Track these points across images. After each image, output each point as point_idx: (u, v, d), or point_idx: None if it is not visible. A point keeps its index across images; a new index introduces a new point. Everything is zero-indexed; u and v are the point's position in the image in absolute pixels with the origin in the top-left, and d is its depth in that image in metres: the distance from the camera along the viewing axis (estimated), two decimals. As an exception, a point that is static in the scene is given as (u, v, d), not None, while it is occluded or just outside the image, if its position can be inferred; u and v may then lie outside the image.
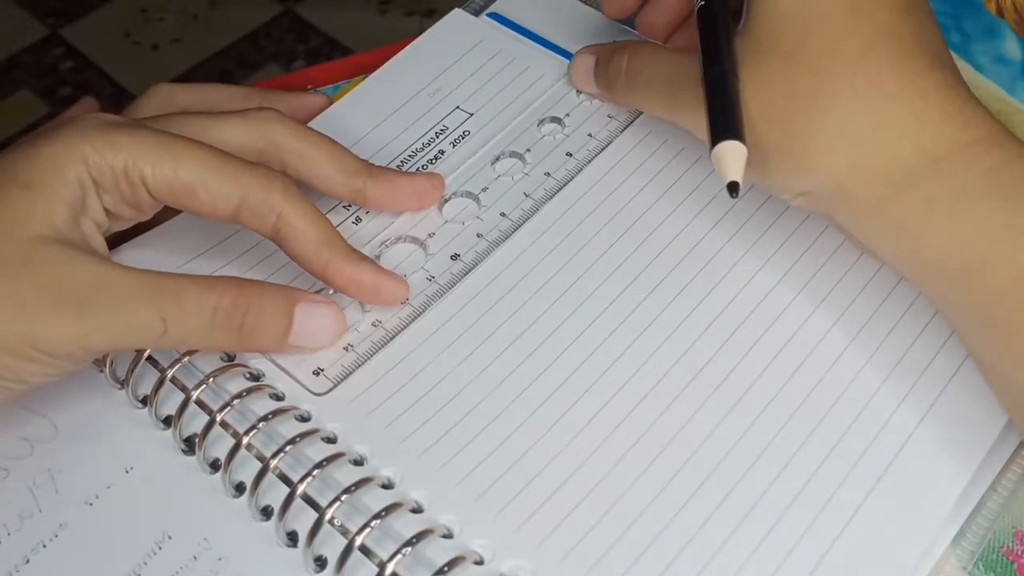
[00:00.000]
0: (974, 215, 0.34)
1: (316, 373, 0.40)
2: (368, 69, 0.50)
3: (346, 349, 0.40)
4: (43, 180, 0.37)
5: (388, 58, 0.50)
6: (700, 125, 0.37)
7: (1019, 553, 0.36)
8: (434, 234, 0.44)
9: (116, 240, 0.42)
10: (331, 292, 0.41)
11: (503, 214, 0.44)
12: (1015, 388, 0.35)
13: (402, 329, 0.41)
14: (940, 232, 0.35)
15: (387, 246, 0.43)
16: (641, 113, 0.46)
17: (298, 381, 0.39)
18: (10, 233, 0.36)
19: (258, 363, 0.40)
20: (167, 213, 0.42)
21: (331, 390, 0.39)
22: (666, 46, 0.43)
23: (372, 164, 0.44)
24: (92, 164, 0.37)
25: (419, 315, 0.41)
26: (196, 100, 0.47)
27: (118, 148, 0.38)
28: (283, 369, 0.40)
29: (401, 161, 0.46)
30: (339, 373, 0.39)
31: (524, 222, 0.44)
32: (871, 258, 0.39)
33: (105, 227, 0.39)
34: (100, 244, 0.39)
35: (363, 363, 0.40)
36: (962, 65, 0.49)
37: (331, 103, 0.49)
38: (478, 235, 0.43)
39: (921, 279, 0.37)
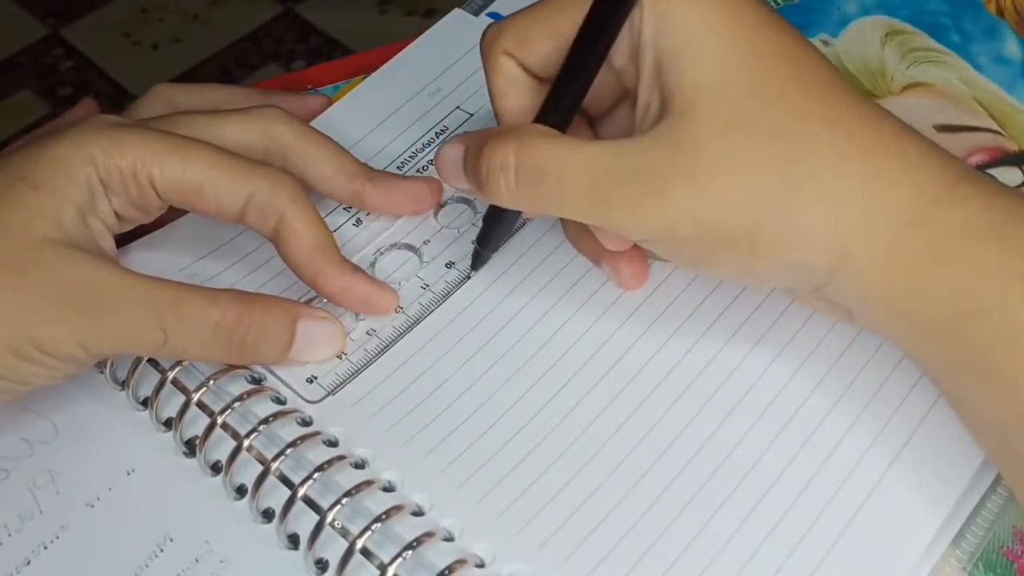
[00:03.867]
0: (973, 258, 0.33)
1: (310, 381, 0.40)
2: (368, 69, 0.50)
3: (340, 358, 0.40)
4: (51, 181, 0.37)
5: (388, 58, 0.50)
6: (636, 227, 0.35)
7: (1019, 553, 0.36)
8: (429, 241, 0.44)
9: (121, 240, 0.42)
10: (324, 301, 0.41)
11: None
12: (1009, 437, 0.34)
13: (397, 339, 0.41)
14: (942, 281, 0.33)
15: (381, 253, 0.43)
16: None
17: (292, 389, 0.39)
18: (19, 234, 0.36)
19: (257, 367, 0.40)
20: (170, 215, 0.42)
21: (324, 398, 0.39)
22: (561, 134, 0.37)
23: (371, 168, 0.44)
24: (100, 165, 0.38)
25: (414, 325, 0.41)
26: (197, 100, 0.48)
27: (126, 149, 0.38)
28: (277, 377, 0.40)
29: (402, 162, 0.46)
30: (333, 382, 0.40)
31: (520, 228, 0.44)
32: (851, 325, 0.38)
33: (115, 228, 0.39)
34: (109, 245, 0.39)
35: (357, 373, 0.40)
36: (962, 65, 0.49)
37: (330, 104, 0.49)
38: (473, 242, 0.43)
39: (918, 331, 0.34)
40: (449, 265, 0.43)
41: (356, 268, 0.41)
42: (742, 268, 0.36)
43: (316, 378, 0.40)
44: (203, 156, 0.39)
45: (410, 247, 0.43)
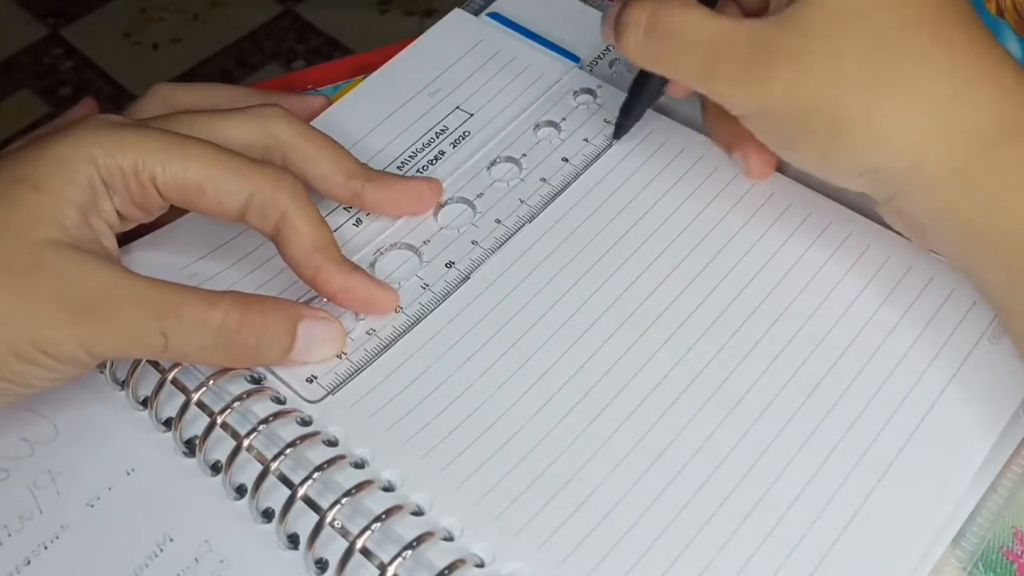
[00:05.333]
0: None
1: (310, 380, 0.40)
2: (368, 69, 0.50)
3: (340, 357, 0.40)
4: (53, 182, 0.37)
5: (388, 58, 0.50)
6: (739, 99, 0.38)
7: (1019, 553, 0.36)
8: (429, 241, 0.44)
9: (123, 240, 0.42)
10: (324, 301, 0.41)
11: (498, 220, 0.44)
12: None
13: (397, 339, 0.41)
14: (1018, 196, 0.35)
15: (382, 253, 0.43)
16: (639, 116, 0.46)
17: (291, 388, 0.39)
18: (19, 235, 0.36)
19: (258, 367, 0.40)
20: (171, 215, 0.42)
21: (324, 398, 0.39)
22: (699, 3, 0.39)
23: (371, 168, 0.44)
24: (101, 165, 0.38)
25: (413, 325, 0.41)
26: (197, 100, 0.47)
27: (127, 148, 0.38)
28: (277, 376, 0.40)
29: (402, 162, 0.46)
30: (332, 381, 0.40)
31: (519, 228, 0.44)
32: (917, 243, 0.40)
33: (117, 227, 0.39)
34: (111, 245, 0.39)
35: (357, 372, 0.40)
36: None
37: (330, 104, 0.49)
38: (473, 242, 0.43)
39: (988, 249, 0.36)
40: (449, 265, 0.43)
41: (356, 267, 0.41)
42: (822, 157, 0.38)
43: (316, 378, 0.40)
44: (204, 155, 0.39)
45: (410, 247, 0.43)
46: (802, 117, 0.37)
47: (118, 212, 0.39)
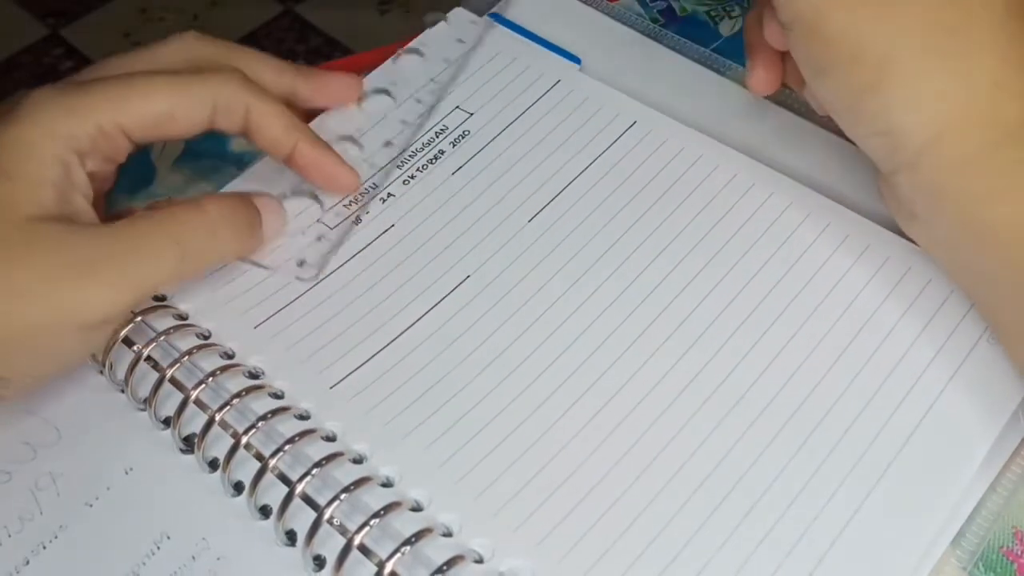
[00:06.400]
0: None
1: (300, 264, 0.42)
2: (368, 69, 0.50)
3: (319, 239, 0.43)
4: (22, 167, 0.37)
5: (388, 58, 0.50)
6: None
7: (1019, 553, 0.36)
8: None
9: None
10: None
11: None
12: None
13: (399, 334, 0.41)
14: (1016, 193, 0.35)
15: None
16: None
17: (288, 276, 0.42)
18: (6, 220, 0.36)
19: (257, 361, 0.40)
20: None
21: (317, 277, 0.42)
22: None
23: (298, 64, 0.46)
24: (66, 136, 0.38)
25: (414, 322, 0.41)
26: (220, 56, 0.45)
27: (84, 112, 0.38)
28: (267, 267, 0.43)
29: (400, 161, 0.46)
30: (319, 260, 0.43)
31: (521, 229, 0.44)
32: (902, 227, 0.40)
33: (90, 194, 0.40)
34: (89, 212, 0.39)
35: (339, 246, 0.43)
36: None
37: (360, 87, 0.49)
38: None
39: (980, 239, 0.36)
40: (387, 144, 0.46)
41: (327, 145, 0.44)
42: (854, 98, 0.37)
43: (305, 261, 0.42)
44: (158, 84, 0.40)
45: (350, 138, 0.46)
46: (853, 46, 0.36)
47: (92, 173, 0.39)
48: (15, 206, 0.36)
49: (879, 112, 0.37)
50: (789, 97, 0.46)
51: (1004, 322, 0.37)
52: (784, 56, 0.42)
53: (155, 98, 0.40)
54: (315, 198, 0.45)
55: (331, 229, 0.44)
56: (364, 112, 0.48)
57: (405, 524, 0.35)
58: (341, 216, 0.44)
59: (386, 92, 0.48)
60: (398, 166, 0.46)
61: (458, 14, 0.51)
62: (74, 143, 0.38)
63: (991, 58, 0.36)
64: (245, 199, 0.42)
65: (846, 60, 0.37)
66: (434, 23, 0.51)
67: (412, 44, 0.50)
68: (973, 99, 0.36)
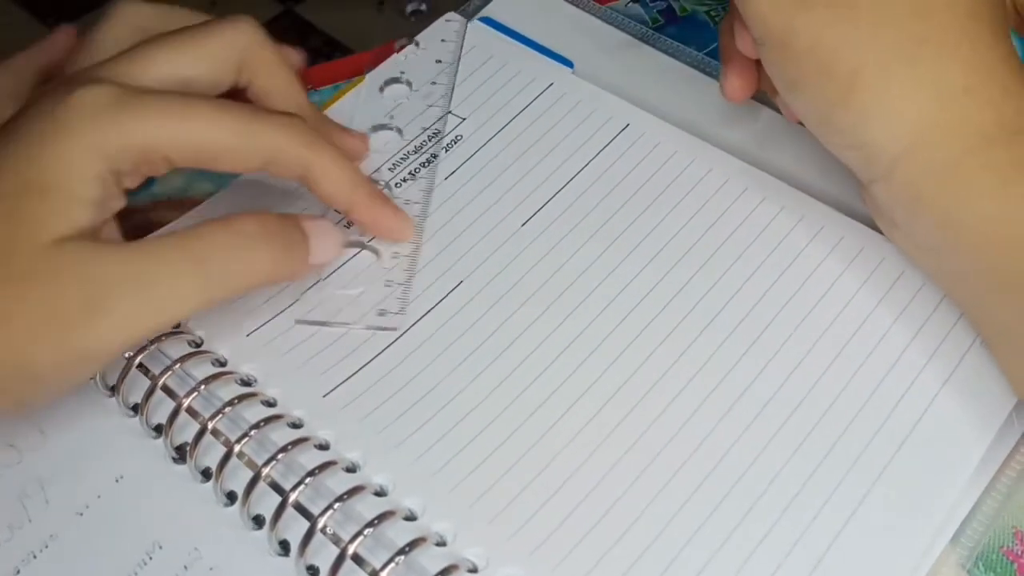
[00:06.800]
0: None
1: (381, 314, 0.41)
2: (368, 69, 0.50)
3: (387, 285, 0.42)
4: (62, 184, 0.35)
5: (387, 58, 0.50)
6: (769, 18, 0.37)
7: (1019, 553, 0.36)
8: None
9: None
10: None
11: None
12: None
13: (391, 343, 0.41)
14: (999, 199, 0.35)
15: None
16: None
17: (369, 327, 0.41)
18: (32, 241, 0.34)
19: (249, 368, 0.40)
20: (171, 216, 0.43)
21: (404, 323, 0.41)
22: None
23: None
24: (110, 155, 0.36)
25: (406, 331, 0.41)
26: (162, 24, 0.43)
27: (133, 133, 0.36)
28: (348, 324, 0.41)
29: (393, 164, 0.46)
30: (400, 305, 0.41)
31: (514, 234, 0.44)
32: (887, 234, 0.40)
33: (119, 209, 0.38)
34: (114, 230, 0.38)
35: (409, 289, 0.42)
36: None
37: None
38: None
39: (960, 242, 0.36)
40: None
41: (385, 199, 0.42)
42: (826, 111, 0.38)
43: (386, 311, 0.41)
44: (225, 122, 0.37)
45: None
46: (823, 63, 0.37)
47: (129, 188, 0.38)
48: (44, 226, 0.35)
49: (851, 126, 0.37)
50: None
51: (988, 325, 0.38)
52: (758, 63, 0.41)
53: (216, 135, 0.37)
54: (369, 247, 0.44)
55: (389, 270, 0.42)
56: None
57: (399, 533, 0.35)
58: (400, 260, 0.43)
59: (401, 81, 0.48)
60: (389, 169, 0.46)
61: (449, 18, 0.51)
62: (118, 162, 0.36)
63: (960, 66, 0.36)
64: (286, 219, 0.39)
65: (816, 76, 0.37)
66: (401, 48, 0.51)
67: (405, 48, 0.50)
68: (944, 108, 0.36)
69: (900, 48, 0.36)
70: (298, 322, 0.41)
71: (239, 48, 0.40)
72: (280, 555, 0.35)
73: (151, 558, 0.36)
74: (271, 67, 0.41)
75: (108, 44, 0.43)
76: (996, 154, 0.35)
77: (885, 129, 0.36)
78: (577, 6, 0.52)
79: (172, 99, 0.37)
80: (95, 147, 0.35)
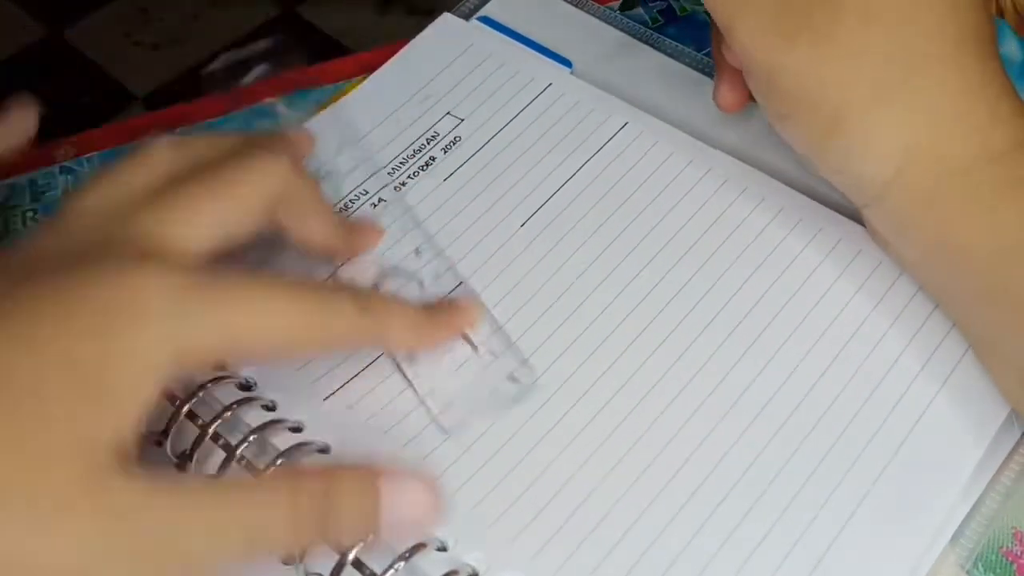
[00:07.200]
0: (1016, 201, 0.35)
1: (512, 380, 0.39)
2: (368, 69, 0.50)
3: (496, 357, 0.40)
4: (121, 395, 0.30)
5: (388, 58, 0.50)
6: (754, 55, 0.38)
7: (1019, 554, 0.36)
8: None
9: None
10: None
11: None
12: None
13: None
14: (981, 216, 0.35)
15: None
16: None
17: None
18: (70, 462, 0.29)
19: (248, 372, 0.40)
20: None
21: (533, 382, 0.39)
22: None
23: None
24: (178, 362, 0.31)
25: None
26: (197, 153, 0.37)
27: (204, 338, 0.32)
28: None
29: (392, 168, 0.46)
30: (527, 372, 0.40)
31: (512, 236, 0.43)
32: (885, 251, 0.40)
33: None
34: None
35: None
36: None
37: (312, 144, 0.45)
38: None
39: (957, 264, 0.36)
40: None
41: (439, 319, 0.39)
42: (814, 141, 0.38)
43: (517, 379, 0.39)
44: (280, 323, 0.33)
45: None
46: (809, 99, 0.37)
47: None
48: (93, 444, 0.29)
49: (839, 157, 0.38)
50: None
51: (976, 337, 0.38)
52: None
53: (270, 344, 0.34)
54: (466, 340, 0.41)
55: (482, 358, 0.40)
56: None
57: (399, 539, 0.35)
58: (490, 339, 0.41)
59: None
60: (389, 172, 0.46)
61: (446, 19, 0.51)
62: (179, 370, 0.31)
63: (948, 92, 0.36)
64: (365, 474, 0.33)
65: (803, 110, 0.38)
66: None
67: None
68: (932, 137, 0.36)
69: (884, 82, 0.36)
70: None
71: (274, 194, 0.36)
72: (282, 563, 0.35)
73: (151, 564, 0.36)
74: (304, 205, 0.38)
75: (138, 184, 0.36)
76: (983, 177, 0.36)
77: (872, 162, 0.37)
78: (576, 6, 0.52)
79: (256, 288, 0.33)
80: (166, 355, 0.31)
